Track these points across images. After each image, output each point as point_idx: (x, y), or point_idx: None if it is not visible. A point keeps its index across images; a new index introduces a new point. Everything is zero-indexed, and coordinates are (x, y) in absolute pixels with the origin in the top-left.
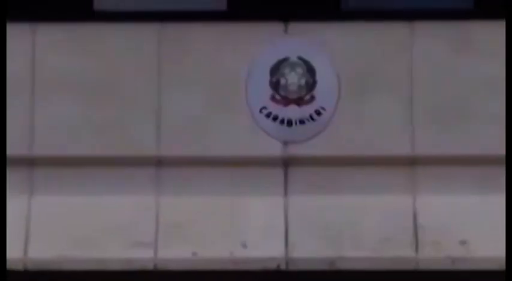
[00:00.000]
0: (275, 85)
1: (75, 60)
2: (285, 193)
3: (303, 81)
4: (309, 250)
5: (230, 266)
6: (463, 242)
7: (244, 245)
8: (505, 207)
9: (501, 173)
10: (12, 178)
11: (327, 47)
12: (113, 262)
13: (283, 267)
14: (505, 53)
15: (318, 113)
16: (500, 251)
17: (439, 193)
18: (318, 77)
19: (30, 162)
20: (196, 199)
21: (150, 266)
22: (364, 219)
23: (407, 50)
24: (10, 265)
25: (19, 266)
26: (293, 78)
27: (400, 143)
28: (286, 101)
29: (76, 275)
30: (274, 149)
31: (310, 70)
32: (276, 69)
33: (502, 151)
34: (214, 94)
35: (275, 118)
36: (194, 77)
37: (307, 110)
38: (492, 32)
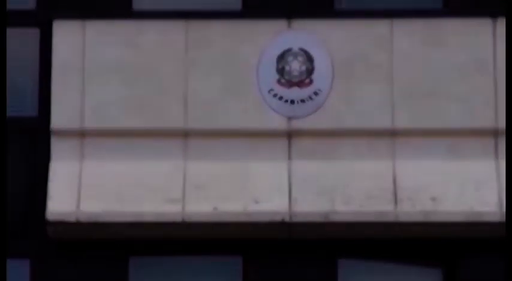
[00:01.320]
0: (281, 71)
1: (118, 50)
2: (289, 159)
3: (303, 68)
4: (308, 205)
5: (244, 218)
6: (433, 199)
7: (256, 201)
8: (468, 171)
9: (466, 142)
10: (67, 146)
11: (323, 39)
12: (149, 215)
13: (287, 219)
14: (505, 53)
15: (316, 93)
16: (464, 206)
17: (414, 159)
18: (316, 64)
19: (82, 133)
20: (216, 164)
21: (178, 219)
22: (353, 180)
23: (389, 41)
24: (65, 217)
25: (72, 218)
26: (295, 66)
27: (383, 118)
28: (289, 84)
29: (118, 225)
30: (280, 123)
31: (310, 59)
32: (281, 58)
33: (467, 124)
34: (230, 78)
35: (280, 98)
36: (214, 64)
37: (307, 91)
38: (457, 25)
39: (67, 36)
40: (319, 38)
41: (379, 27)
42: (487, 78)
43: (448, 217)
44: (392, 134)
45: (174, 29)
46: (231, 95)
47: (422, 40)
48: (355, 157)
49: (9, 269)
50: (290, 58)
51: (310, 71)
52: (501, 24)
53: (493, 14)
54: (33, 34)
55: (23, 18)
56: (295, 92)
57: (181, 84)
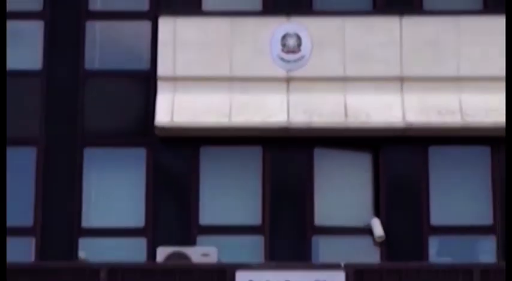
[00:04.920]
0: (283, 45)
1: (195, 34)
2: (287, 93)
3: (295, 43)
4: (299, 118)
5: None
6: (368, 115)
7: (269, 116)
8: None
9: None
10: (166, 86)
11: (306, 27)
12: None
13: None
14: (505, 52)
15: (302, 57)
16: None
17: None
18: (302, 41)
19: (174, 79)
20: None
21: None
22: (325, 106)
23: (342, 29)
24: (164, 124)
25: (168, 125)
26: (291, 42)
27: (338, 69)
28: (288, 51)
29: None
30: (282, 73)
31: (299, 38)
32: (283, 38)
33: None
34: (256, 50)
35: (282, 59)
36: (245, 44)
37: (297, 56)
38: (386, 22)
39: (166, 26)
40: (304, 26)
41: (335, 21)
42: None
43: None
44: (344, 79)
45: (221, 25)
46: (257, 56)
47: (363, 31)
48: (324, 91)
49: (131, 155)
50: (288, 38)
51: (299, 45)
52: None
53: None
54: (147, 25)
55: (140, 16)
56: (290, 56)
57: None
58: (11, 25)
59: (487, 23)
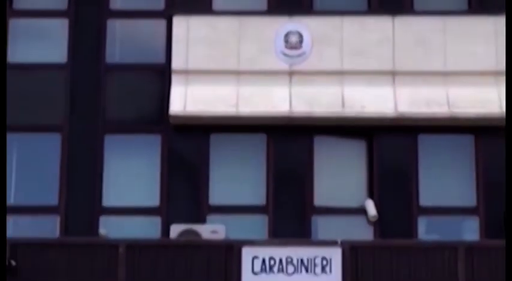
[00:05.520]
0: (286, 41)
1: (204, 30)
2: (290, 85)
3: (297, 40)
4: (300, 108)
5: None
6: (362, 107)
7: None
8: None
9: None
10: (179, 79)
11: (307, 25)
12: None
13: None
14: (505, 52)
15: (303, 53)
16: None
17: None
18: (304, 38)
19: (186, 71)
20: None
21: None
22: (324, 96)
23: (339, 27)
24: (177, 113)
25: (181, 113)
26: (293, 39)
27: (336, 63)
28: (290, 47)
29: (218, 119)
30: (285, 67)
31: (300, 35)
32: (287, 35)
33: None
34: (261, 46)
35: (285, 54)
36: (251, 41)
37: (299, 52)
38: (380, 22)
39: (179, 24)
40: (305, 25)
41: (335, 20)
42: None
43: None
44: (341, 73)
45: (230, 24)
46: (262, 52)
47: (358, 27)
48: (323, 84)
49: (148, 141)
50: (291, 35)
51: (300, 42)
52: None
53: None
54: (162, 23)
55: (156, 15)
56: (292, 51)
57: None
58: (39, 22)
59: (471, 23)
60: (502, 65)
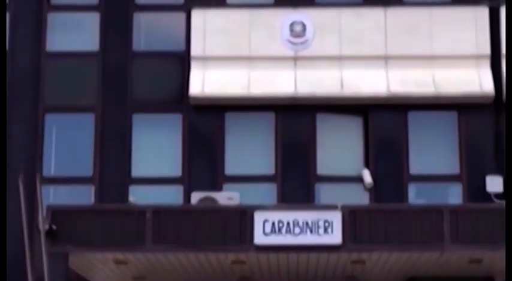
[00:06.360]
0: (291, 30)
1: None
2: (294, 69)
3: (301, 29)
4: (305, 88)
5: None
6: (358, 88)
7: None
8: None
9: None
10: (197, 65)
11: (309, 16)
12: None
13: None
14: (505, 51)
15: (306, 41)
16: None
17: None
18: (306, 27)
19: (204, 58)
20: None
21: None
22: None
23: (338, 17)
24: (196, 95)
25: (199, 95)
26: (297, 28)
27: (331, 48)
28: (295, 36)
29: (232, 100)
30: (291, 53)
31: (304, 25)
32: (292, 25)
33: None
34: (269, 35)
35: (290, 42)
36: (261, 30)
37: (302, 39)
38: (374, 12)
39: (197, 16)
40: (308, 16)
41: (334, 11)
42: None
43: (366, 95)
44: (340, 58)
45: (242, 15)
46: (270, 40)
47: (354, 17)
48: (324, 68)
49: (170, 119)
50: (295, 25)
51: (304, 30)
52: None
53: None
54: (182, 15)
55: (176, 8)
56: (297, 39)
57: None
58: (73, 16)
59: (455, 12)
60: (482, 50)
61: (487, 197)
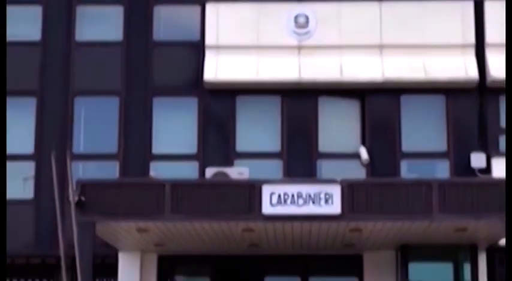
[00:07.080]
0: (295, 22)
1: (237, 15)
2: (298, 56)
3: (304, 21)
4: (310, 74)
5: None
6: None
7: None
8: None
9: None
10: (210, 53)
11: (313, 9)
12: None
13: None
14: (505, 50)
15: (309, 31)
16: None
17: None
18: (309, 19)
19: (217, 47)
20: None
21: None
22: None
23: (338, 10)
24: (210, 80)
25: (213, 80)
26: (301, 19)
27: (330, 36)
28: (299, 27)
29: (242, 84)
30: (295, 42)
31: (307, 17)
32: (296, 17)
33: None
34: (276, 25)
35: (295, 32)
36: (269, 22)
37: (305, 30)
38: (370, 5)
39: (211, 9)
40: (311, 9)
41: (335, 4)
42: None
43: (363, 80)
44: (340, 47)
45: (251, 8)
46: (277, 30)
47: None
48: (326, 55)
49: (187, 102)
50: (299, 17)
51: (307, 22)
52: None
53: None
54: (197, 9)
55: (192, 2)
56: (301, 30)
57: (256, 28)
58: (100, 9)
59: (444, 6)
60: (467, 39)
61: (471, 172)
